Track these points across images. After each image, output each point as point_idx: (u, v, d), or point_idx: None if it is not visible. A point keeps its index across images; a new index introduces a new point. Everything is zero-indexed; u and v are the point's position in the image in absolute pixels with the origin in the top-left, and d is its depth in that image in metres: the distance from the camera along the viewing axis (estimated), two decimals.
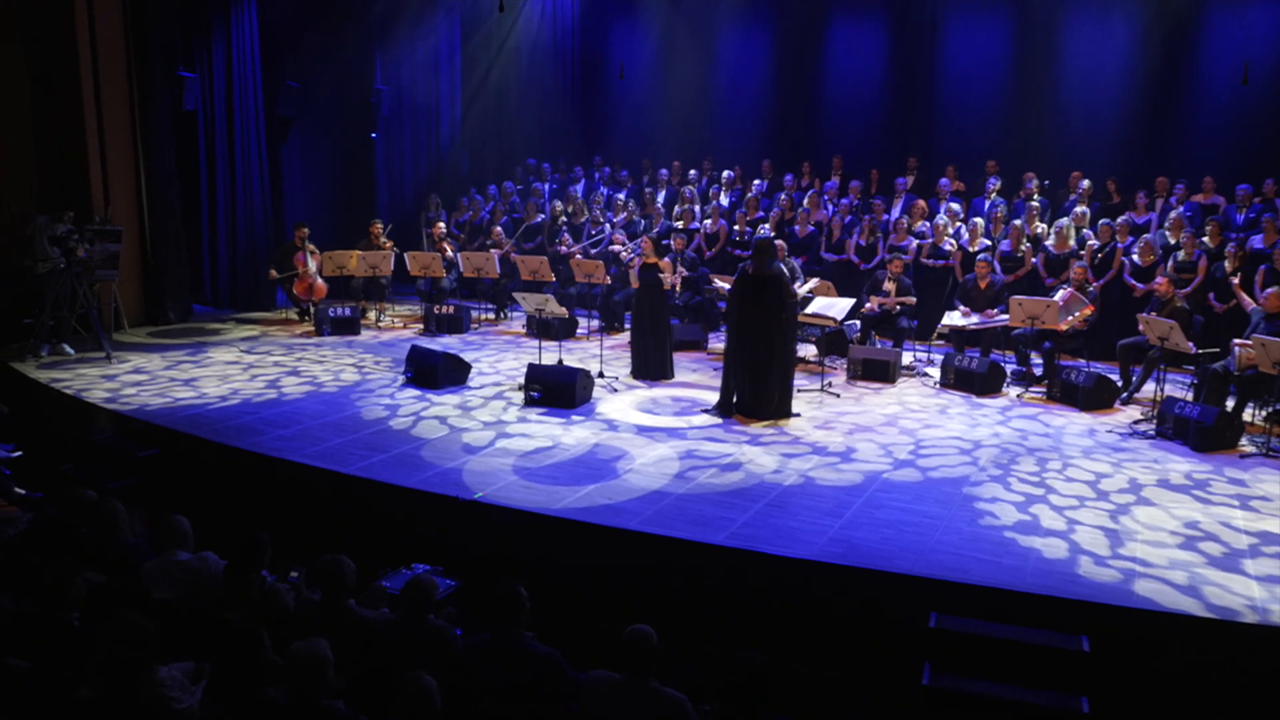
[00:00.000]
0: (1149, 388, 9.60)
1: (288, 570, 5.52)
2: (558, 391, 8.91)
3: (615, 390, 9.58)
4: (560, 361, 10.14)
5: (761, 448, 7.92)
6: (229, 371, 10.10)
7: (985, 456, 7.78)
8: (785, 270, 8.80)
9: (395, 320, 13.14)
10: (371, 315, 13.04)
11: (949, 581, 5.45)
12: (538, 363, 9.41)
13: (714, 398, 9.17)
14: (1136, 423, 8.78)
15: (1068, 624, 5.18)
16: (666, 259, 10.15)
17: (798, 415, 8.74)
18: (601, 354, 10.30)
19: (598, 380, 9.64)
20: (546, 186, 15.46)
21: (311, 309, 12.69)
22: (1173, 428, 8.31)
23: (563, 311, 10.34)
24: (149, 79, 12.22)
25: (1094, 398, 9.26)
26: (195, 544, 5.46)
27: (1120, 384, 9.63)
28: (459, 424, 8.41)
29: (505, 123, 17.20)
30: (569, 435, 8.13)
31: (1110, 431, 8.54)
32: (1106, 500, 6.87)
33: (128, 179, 12.18)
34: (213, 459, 7.62)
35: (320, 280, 12.71)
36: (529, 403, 8.99)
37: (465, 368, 9.79)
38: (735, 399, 8.79)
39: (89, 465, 8.13)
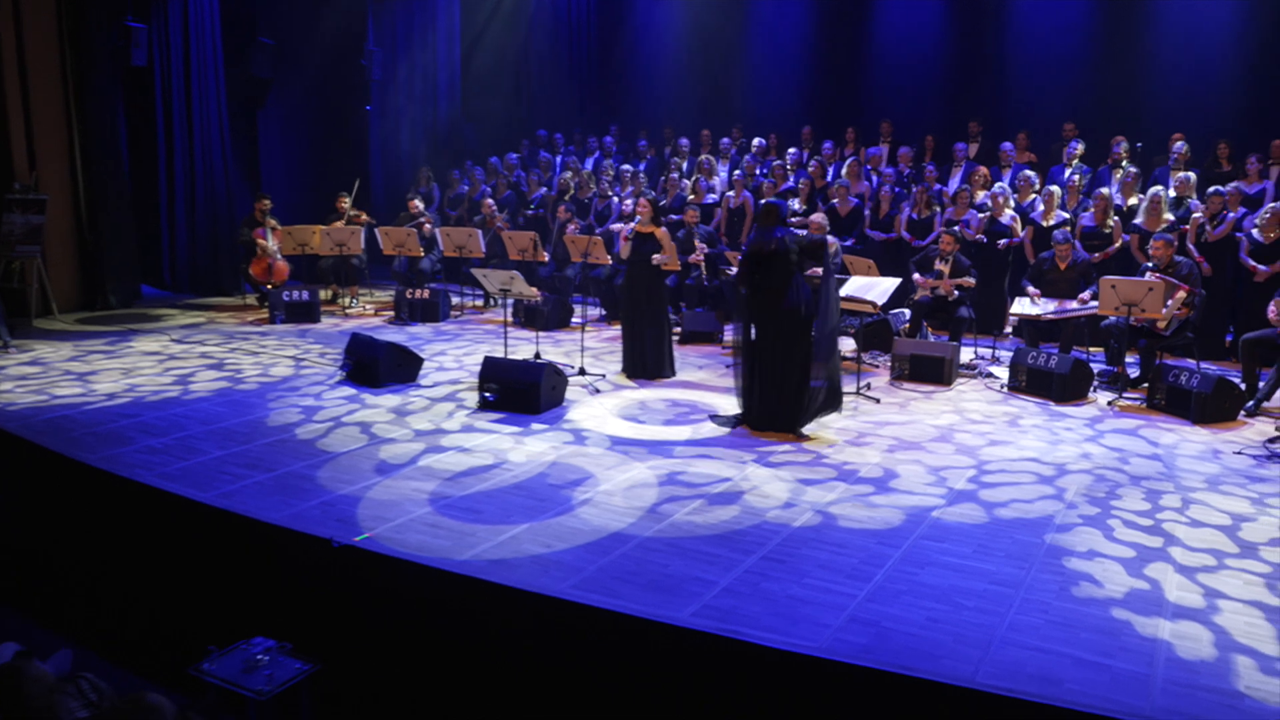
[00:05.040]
0: None
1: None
2: (517, 393, 7.04)
3: (597, 391, 7.69)
4: (537, 355, 8.31)
5: (770, 470, 5.97)
6: (142, 364, 8.40)
7: (1074, 487, 5.75)
8: (794, 241, 6.77)
9: (367, 306, 11.39)
10: (343, 300, 11.31)
11: (1032, 702, 3.45)
12: (497, 356, 7.56)
13: (720, 401, 7.28)
14: (1272, 440, 6.66)
15: None
16: (664, 230, 8.20)
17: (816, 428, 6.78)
18: (582, 346, 8.41)
19: (575, 379, 7.77)
20: (558, 159, 13.62)
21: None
22: None
23: (532, 292, 8.48)
24: (85, 27, 10.60)
25: (1211, 406, 7.15)
26: None
27: (1243, 389, 7.51)
28: (385, 433, 6.58)
29: (513, 90, 15.39)
30: (520, 450, 6.25)
31: (1239, 453, 6.44)
32: (1255, 557, 4.81)
33: (58, 142, 10.59)
34: (43, 474, 5.88)
35: (281, 260, 11.00)
36: (483, 406, 7.15)
37: (415, 362, 7.98)
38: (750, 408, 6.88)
39: None
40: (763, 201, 6.94)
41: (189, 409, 7.07)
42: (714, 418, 7.03)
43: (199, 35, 11.70)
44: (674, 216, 10.37)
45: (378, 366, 7.70)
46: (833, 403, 6.77)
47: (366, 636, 4.47)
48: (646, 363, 8.12)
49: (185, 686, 4.18)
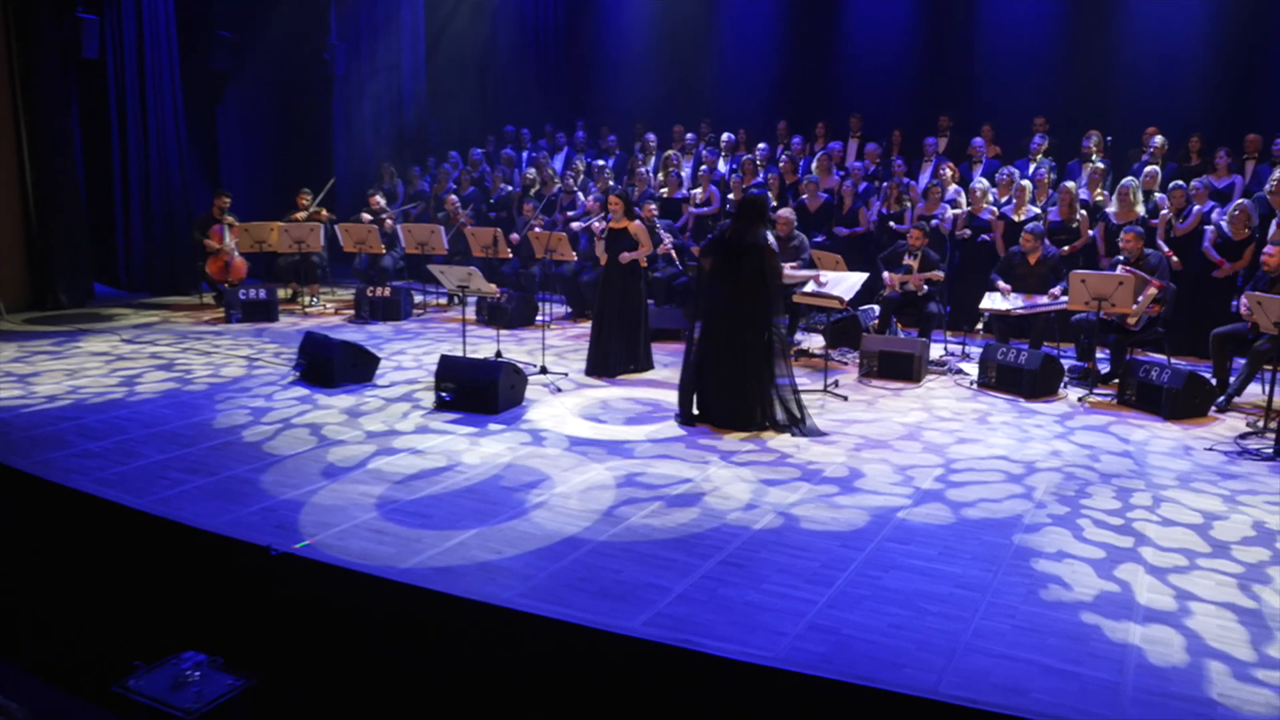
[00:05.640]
0: (1252, 390, 7.40)
1: None
2: (475, 392, 6.83)
3: (558, 390, 7.49)
4: (498, 353, 8.11)
5: (732, 469, 5.80)
6: (88, 365, 8.11)
7: (1043, 486, 5.61)
8: (773, 241, 6.63)
9: (327, 305, 11.12)
10: (303, 299, 11.03)
11: (997, 714, 3.29)
12: (454, 355, 7.34)
13: None
14: (1244, 437, 6.57)
15: None
16: (638, 224, 8.03)
17: (785, 424, 6.60)
18: (544, 344, 8.21)
19: (536, 378, 7.57)
20: (525, 155, 13.40)
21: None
22: None
23: (491, 289, 8.28)
24: (33, 17, 10.27)
25: (1182, 402, 7.05)
26: None
27: (1214, 384, 7.41)
28: (336, 434, 6.35)
29: (478, 85, 15.14)
30: (474, 452, 6.04)
31: (1211, 449, 6.32)
32: (1228, 557, 4.68)
33: (5, 136, 10.26)
34: None
35: (239, 257, 10.71)
36: (439, 405, 6.93)
37: (372, 361, 7.74)
38: (699, 405, 6.70)
39: None
40: (748, 191, 6.74)
41: (132, 411, 6.80)
42: (679, 417, 6.85)
43: (153, 27, 11.39)
44: (637, 210, 10.18)
45: (332, 366, 7.46)
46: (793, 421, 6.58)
47: (304, 649, 4.25)
48: (612, 361, 7.93)
49: (111, 704, 3.97)
